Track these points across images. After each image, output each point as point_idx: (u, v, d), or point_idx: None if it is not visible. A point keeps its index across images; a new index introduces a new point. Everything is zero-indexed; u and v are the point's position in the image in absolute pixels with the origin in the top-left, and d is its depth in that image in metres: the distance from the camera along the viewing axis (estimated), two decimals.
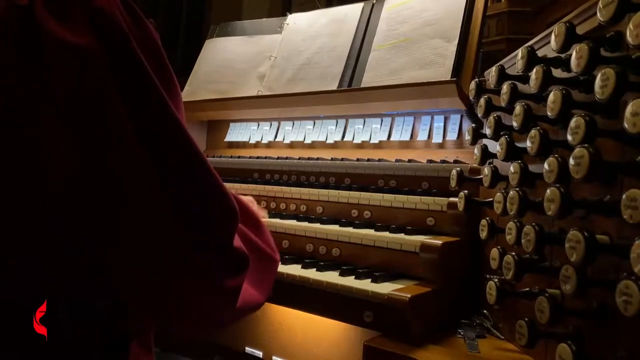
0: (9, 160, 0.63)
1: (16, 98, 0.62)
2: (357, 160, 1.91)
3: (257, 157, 2.23)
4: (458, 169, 1.41)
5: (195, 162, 0.69)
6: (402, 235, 1.48)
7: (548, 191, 0.87)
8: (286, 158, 2.12)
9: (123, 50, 0.64)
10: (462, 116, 1.80)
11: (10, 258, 0.66)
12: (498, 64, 1.22)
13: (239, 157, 2.30)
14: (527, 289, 1.03)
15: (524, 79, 1.09)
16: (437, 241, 1.37)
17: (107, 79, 0.62)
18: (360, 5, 2.19)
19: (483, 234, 1.26)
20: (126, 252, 0.66)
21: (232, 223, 0.74)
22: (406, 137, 1.93)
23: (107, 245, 0.66)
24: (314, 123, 2.21)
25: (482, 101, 1.26)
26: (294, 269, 1.49)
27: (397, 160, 1.80)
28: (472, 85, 1.33)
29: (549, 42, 0.97)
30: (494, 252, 1.15)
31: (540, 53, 1.05)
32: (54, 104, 0.62)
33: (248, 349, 1.80)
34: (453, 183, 1.40)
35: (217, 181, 0.71)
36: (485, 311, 1.39)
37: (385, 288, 1.30)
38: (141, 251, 0.66)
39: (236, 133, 2.49)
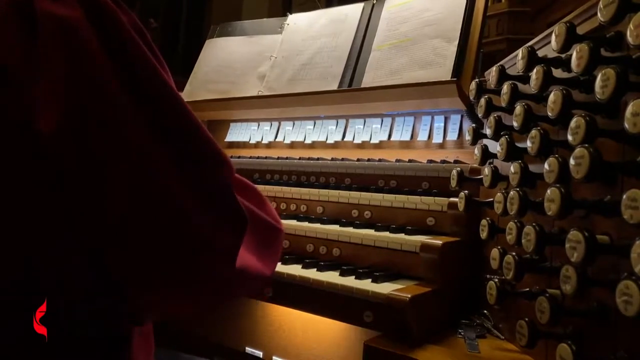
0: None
1: (12, 66, 0.63)
2: (358, 160, 1.91)
3: (258, 157, 2.22)
4: (458, 169, 1.41)
5: (188, 122, 0.71)
6: (402, 235, 1.48)
7: (548, 191, 0.87)
8: (286, 158, 2.12)
9: (108, 19, 0.68)
10: (462, 116, 1.80)
11: (8, 256, 0.66)
12: (498, 64, 1.22)
13: (239, 157, 2.30)
14: (528, 289, 1.03)
15: (525, 79, 1.09)
16: (437, 241, 1.37)
17: (95, 46, 0.66)
18: (360, 5, 2.19)
19: (483, 234, 1.26)
20: (119, 208, 0.66)
21: (225, 169, 0.74)
22: (406, 137, 1.93)
23: (102, 203, 0.66)
24: (314, 123, 2.21)
25: (482, 101, 1.26)
26: (295, 269, 1.49)
27: (397, 161, 1.80)
28: (473, 85, 1.33)
29: (549, 42, 0.97)
30: (495, 252, 1.15)
31: (540, 53, 1.05)
32: (46, 75, 0.63)
33: (248, 349, 1.80)
34: (453, 183, 1.40)
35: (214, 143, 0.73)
36: (485, 311, 1.39)
37: (385, 288, 1.30)
38: (135, 202, 0.66)
39: (236, 133, 2.49)
